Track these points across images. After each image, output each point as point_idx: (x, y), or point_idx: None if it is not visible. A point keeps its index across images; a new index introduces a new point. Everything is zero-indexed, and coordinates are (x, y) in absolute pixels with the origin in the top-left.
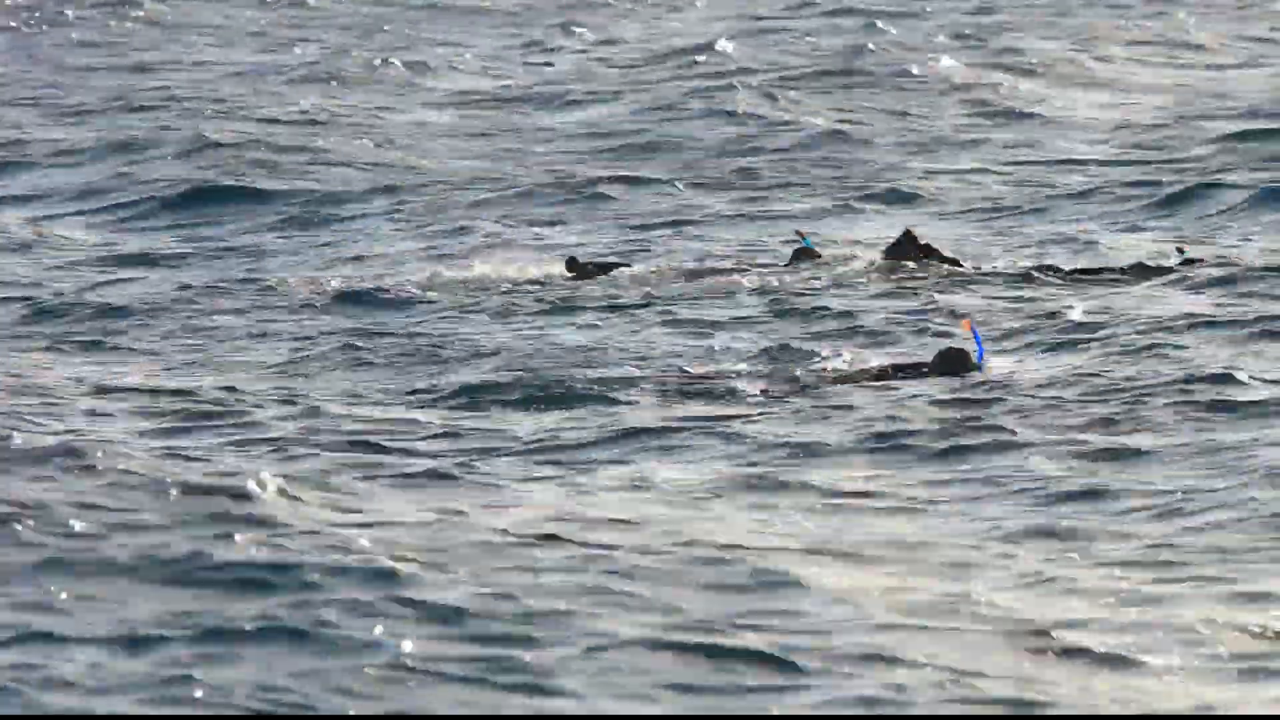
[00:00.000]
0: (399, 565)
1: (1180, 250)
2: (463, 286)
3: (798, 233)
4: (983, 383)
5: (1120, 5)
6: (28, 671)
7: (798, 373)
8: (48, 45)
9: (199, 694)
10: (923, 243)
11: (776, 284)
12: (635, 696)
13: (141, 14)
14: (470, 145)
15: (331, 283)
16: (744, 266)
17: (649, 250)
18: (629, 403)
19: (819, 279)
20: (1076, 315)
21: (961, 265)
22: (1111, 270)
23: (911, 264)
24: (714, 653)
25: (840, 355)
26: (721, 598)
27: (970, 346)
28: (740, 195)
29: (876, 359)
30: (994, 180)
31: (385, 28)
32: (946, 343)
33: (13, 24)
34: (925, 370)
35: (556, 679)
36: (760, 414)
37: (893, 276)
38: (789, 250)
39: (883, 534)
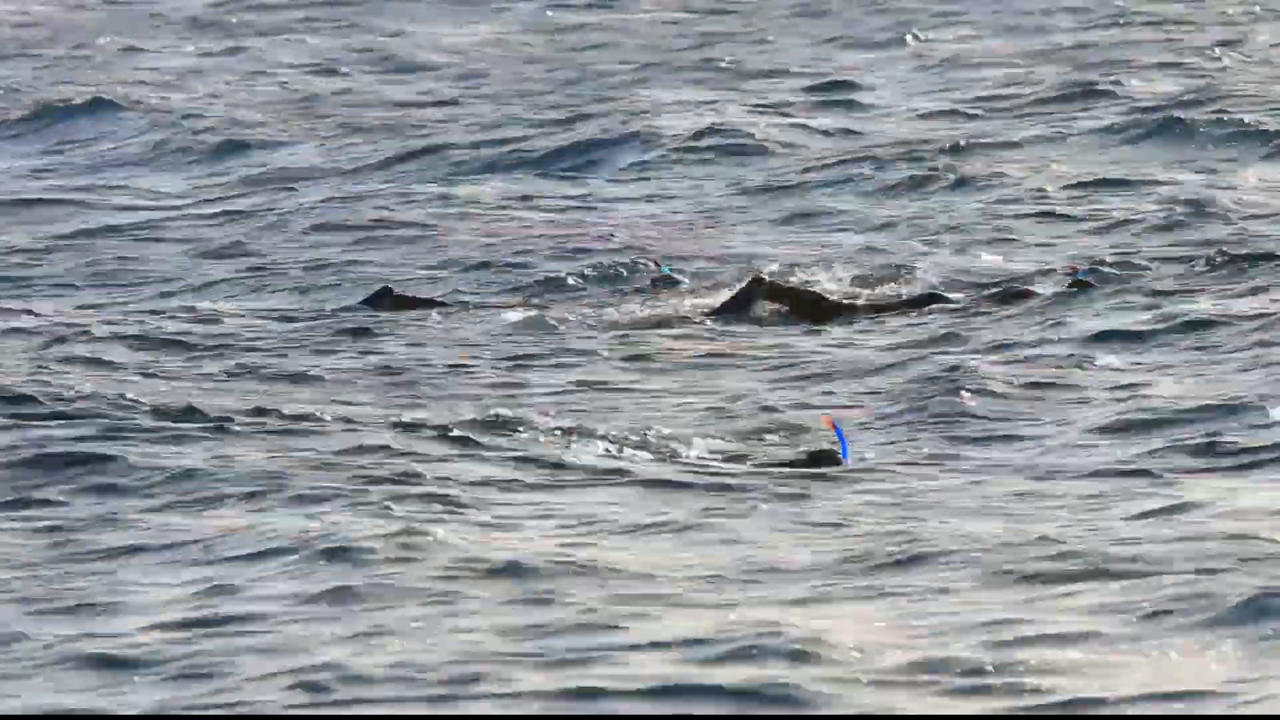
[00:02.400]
0: None
1: (1072, 271)
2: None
3: (655, 263)
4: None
5: None
6: None
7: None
8: None
9: None
10: (774, 285)
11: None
12: None
13: None
14: None
15: None
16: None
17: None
18: None
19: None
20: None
21: (828, 299)
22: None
23: (763, 313)
24: None
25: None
26: None
27: (835, 444)
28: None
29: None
30: None
31: None
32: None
33: None
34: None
35: None
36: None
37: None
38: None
39: None
